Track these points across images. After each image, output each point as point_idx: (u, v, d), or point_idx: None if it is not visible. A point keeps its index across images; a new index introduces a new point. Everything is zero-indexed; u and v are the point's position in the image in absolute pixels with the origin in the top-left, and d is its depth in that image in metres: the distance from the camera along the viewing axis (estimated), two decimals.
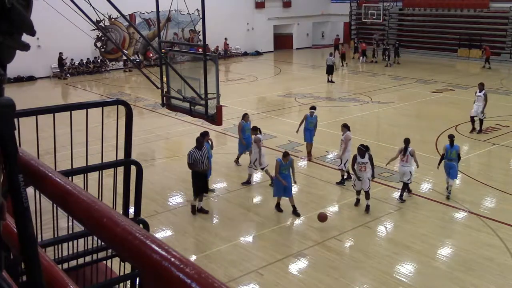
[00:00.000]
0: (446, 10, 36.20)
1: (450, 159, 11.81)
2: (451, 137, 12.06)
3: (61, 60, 30.06)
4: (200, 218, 11.37)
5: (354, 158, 11.40)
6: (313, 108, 14.88)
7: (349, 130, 12.95)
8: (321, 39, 44.72)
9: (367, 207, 11.20)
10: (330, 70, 26.89)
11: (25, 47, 1.36)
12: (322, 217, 10.35)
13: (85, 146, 3.17)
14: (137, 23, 32.99)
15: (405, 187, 11.80)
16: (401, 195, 11.78)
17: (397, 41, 35.76)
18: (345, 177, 12.78)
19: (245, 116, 13.96)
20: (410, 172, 11.64)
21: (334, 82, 27.15)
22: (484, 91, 16.54)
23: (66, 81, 29.69)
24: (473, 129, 16.98)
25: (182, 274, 0.99)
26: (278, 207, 11.24)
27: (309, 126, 14.51)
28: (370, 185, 11.33)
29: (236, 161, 14.23)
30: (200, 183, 11.19)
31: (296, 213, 11.03)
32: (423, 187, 12.66)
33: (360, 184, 11.29)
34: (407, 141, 11.71)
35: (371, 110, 21.15)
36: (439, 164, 12.12)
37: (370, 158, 11.27)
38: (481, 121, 16.82)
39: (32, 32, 1.35)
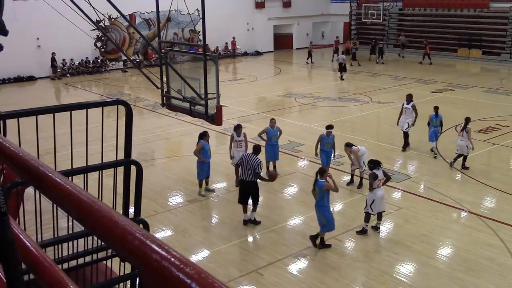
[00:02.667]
0: (446, 10, 36.20)
1: (435, 126, 14.33)
2: (436, 108, 14.60)
3: (53, 61, 29.75)
4: (200, 218, 11.38)
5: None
6: (330, 127, 12.87)
7: (353, 145, 12.43)
8: (321, 39, 44.75)
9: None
10: (341, 68, 27.78)
11: None
12: (273, 176, 11.00)
13: (85, 146, 3.17)
14: (137, 23, 32.99)
15: (459, 158, 13.52)
16: (462, 165, 13.54)
17: (378, 40, 36.41)
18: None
19: (271, 121, 13.34)
20: (467, 146, 13.32)
21: (343, 79, 27.83)
22: (412, 103, 14.93)
23: (66, 81, 29.67)
24: (406, 144, 15.23)
25: (182, 274, 0.99)
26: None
27: (326, 148, 12.84)
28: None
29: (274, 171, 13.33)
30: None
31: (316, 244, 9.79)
32: (423, 187, 12.67)
33: (379, 203, 10.14)
34: (466, 119, 13.54)
35: (371, 110, 21.15)
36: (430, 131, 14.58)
37: (384, 174, 10.31)
38: (406, 134, 15.13)
39: (4, 32, 1.32)
